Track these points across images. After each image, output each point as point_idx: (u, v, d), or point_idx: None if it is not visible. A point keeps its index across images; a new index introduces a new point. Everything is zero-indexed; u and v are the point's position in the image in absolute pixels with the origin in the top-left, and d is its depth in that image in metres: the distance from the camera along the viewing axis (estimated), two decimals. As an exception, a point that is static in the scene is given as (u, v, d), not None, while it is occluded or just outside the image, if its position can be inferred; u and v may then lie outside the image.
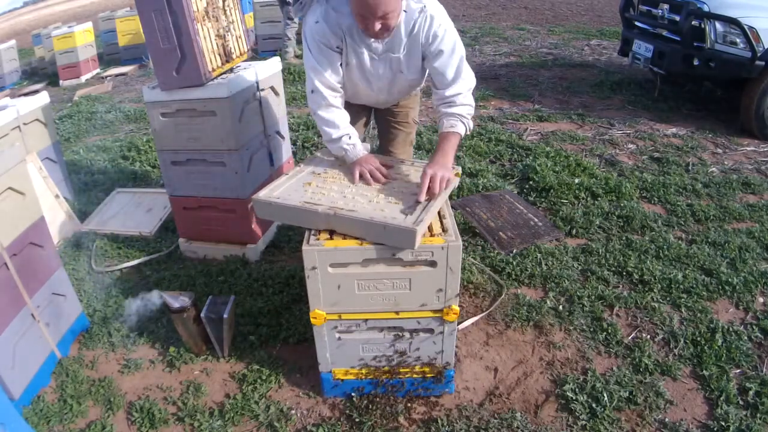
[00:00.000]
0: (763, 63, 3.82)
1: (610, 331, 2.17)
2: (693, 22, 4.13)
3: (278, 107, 2.88)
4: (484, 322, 2.27)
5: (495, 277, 2.53)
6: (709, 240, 2.75)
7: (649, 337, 2.15)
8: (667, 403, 1.84)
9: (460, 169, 1.99)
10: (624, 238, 2.80)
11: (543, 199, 3.22)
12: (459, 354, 2.08)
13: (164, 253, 2.84)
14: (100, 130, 5.08)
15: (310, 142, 4.23)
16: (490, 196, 3.26)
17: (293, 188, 1.83)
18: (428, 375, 1.85)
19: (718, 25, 4.00)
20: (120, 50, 8.32)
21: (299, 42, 6.43)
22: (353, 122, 2.07)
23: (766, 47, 3.80)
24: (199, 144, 2.49)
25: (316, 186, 1.85)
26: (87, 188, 3.60)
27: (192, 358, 2.11)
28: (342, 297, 1.68)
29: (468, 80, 1.89)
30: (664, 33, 4.55)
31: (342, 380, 1.87)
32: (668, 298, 2.36)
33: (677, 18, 4.27)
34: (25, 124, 3.04)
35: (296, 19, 6.57)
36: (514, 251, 2.71)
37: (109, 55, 8.60)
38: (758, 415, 1.77)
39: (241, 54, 2.71)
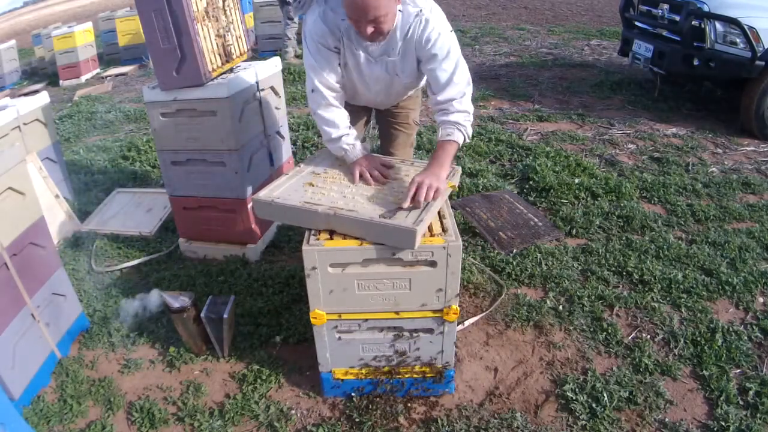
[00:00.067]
0: (763, 63, 3.82)
1: (610, 331, 2.17)
2: (693, 22, 4.13)
3: (278, 107, 2.88)
4: (484, 322, 2.27)
5: (495, 277, 2.53)
6: (709, 240, 2.75)
7: (649, 337, 2.16)
8: (667, 403, 1.84)
9: (457, 181, 1.96)
10: (624, 238, 2.80)
11: (543, 199, 3.22)
12: (459, 354, 2.08)
13: (164, 253, 2.84)
14: (100, 130, 5.08)
15: (310, 142, 4.23)
16: (490, 196, 3.26)
17: (293, 188, 1.83)
18: (428, 375, 1.85)
19: (718, 25, 4.00)
20: (120, 50, 8.32)
21: (299, 42, 6.44)
22: (353, 122, 2.07)
23: (766, 47, 3.80)
24: (199, 144, 2.49)
25: (316, 186, 1.85)
26: (87, 188, 3.60)
27: (192, 358, 2.11)
28: (342, 297, 1.68)
29: (461, 85, 1.84)
30: (664, 33, 4.55)
31: (342, 380, 1.87)
32: (668, 298, 2.36)
33: (677, 18, 4.27)
34: (25, 124, 3.04)
35: (296, 19, 6.57)
36: (514, 251, 2.71)
37: (109, 55, 8.60)
38: (758, 415, 1.77)
39: (241, 54, 2.71)
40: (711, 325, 2.16)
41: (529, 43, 7.76)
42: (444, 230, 1.67)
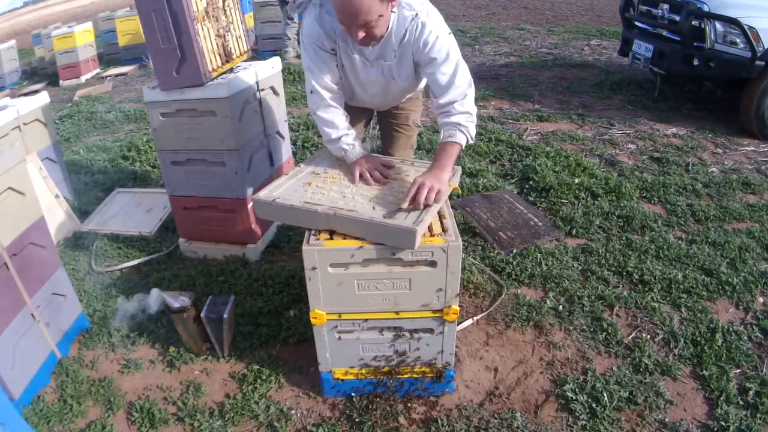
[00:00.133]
0: (763, 63, 3.82)
1: (610, 331, 2.17)
2: (693, 22, 4.13)
3: (278, 107, 2.88)
4: (484, 322, 2.27)
5: (495, 277, 2.53)
6: (709, 240, 2.75)
7: (649, 337, 2.16)
8: (667, 403, 1.84)
9: (457, 181, 1.96)
10: (624, 238, 2.80)
11: (543, 199, 3.22)
12: (459, 354, 2.08)
13: (164, 253, 2.84)
14: (100, 130, 5.08)
15: (310, 142, 4.23)
16: (490, 196, 3.26)
17: (293, 188, 1.83)
18: (428, 375, 1.85)
19: (718, 25, 4.00)
20: (120, 50, 8.32)
21: (299, 42, 6.43)
22: (353, 123, 2.08)
23: (766, 47, 3.80)
24: (199, 144, 2.49)
25: (316, 186, 1.85)
26: (87, 188, 3.60)
27: (192, 358, 2.11)
28: (342, 297, 1.68)
29: (462, 87, 1.83)
30: (664, 33, 4.55)
31: (342, 380, 1.87)
32: (668, 298, 2.36)
33: (677, 18, 4.27)
34: (25, 124, 3.04)
35: (296, 19, 6.57)
36: (514, 251, 2.71)
37: (109, 55, 8.60)
38: (758, 415, 1.77)
39: (241, 54, 2.71)
40: (711, 325, 2.16)
41: (529, 43, 7.76)
42: (444, 230, 1.67)
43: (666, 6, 4.46)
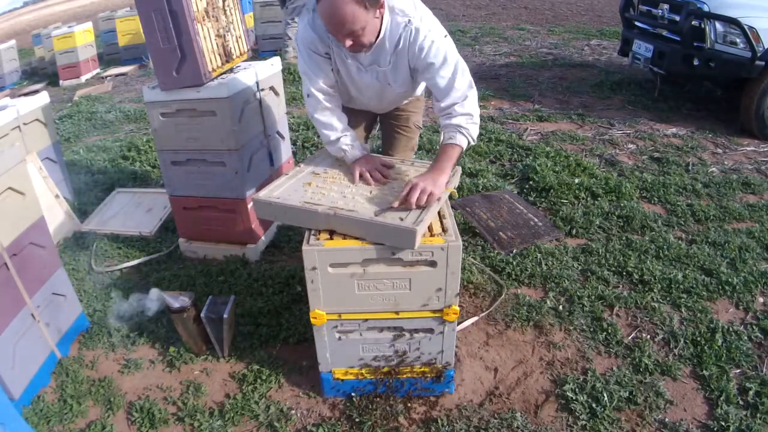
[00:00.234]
0: (763, 63, 3.82)
1: (610, 331, 2.17)
2: (693, 22, 4.13)
3: (278, 107, 2.88)
4: (484, 322, 2.27)
5: (495, 277, 2.53)
6: (709, 240, 2.75)
7: (649, 337, 2.16)
8: (667, 403, 1.84)
9: (457, 181, 1.95)
10: (624, 238, 2.80)
11: (543, 199, 3.22)
12: (459, 354, 2.08)
13: (164, 253, 2.84)
14: (100, 130, 5.08)
15: (310, 142, 4.23)
16: (490, 196, 3.26)
17: (293, 188, 1.83)
18: (428, 375, 1.85)
19: (718, 25, 4.00)
20: (120, 50, 8.32)
21: (299, 42, 6.42)
22: (353, 125, 2.08)
23: (766, 47, 3.80)
24: (199, 144, 2.49)
25: (316, 186, 1.85)
26: (87, 188, 3.60)
27: (192, 358, 2.11)
28: (342, 297, 1.68)
29: (462, 89, 1.81)
30: (664, 33, 4.55)
31: (342, 380, 1.87)
32: (668, 298, 2.36)
33: (677, 18, 4.27)
34: (25, 124, 3.04)
35: (297, 19, 6.57)
36: (514, 251, 2.71)
37: (109, 55, 8.60)
38: (758, 415, 1.77)
39: (241, 54, 2.71)
40: (711, 325, 2.16)
41: (529, 43, 7.77)
42: (444, 230, 1.67)
43: (666, 6, 4.46)
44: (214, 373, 2.06)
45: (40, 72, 8.49)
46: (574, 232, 2.88)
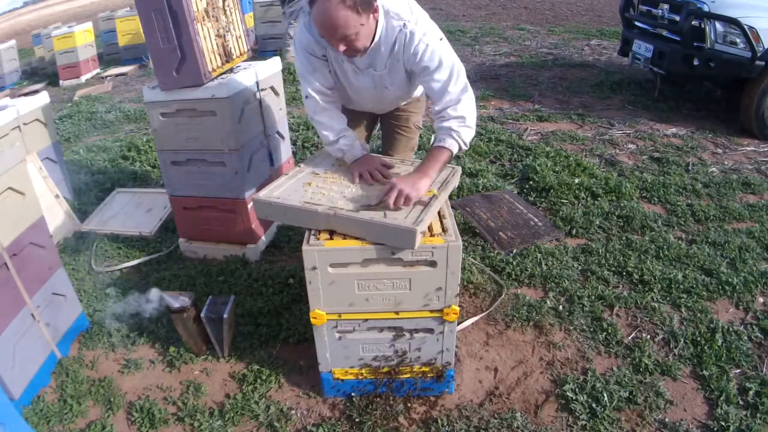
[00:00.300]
0: (763, 63, 3.82)
1: (610, 331, 2.17)
2: (693, 22, 4.13)
3: (278, 107, 2.88)
4: (484, 322, 2.27)
5: (495, 277, 2.53)
6: (709, 240, 2.75)
7: (649, 337, 2.16)
8: (667, 403, 1.84)
9: (456, 181, 1.93)
10: (624, 238, 2.80)
11: (543, 199, 3.22)
12: (459, 354, 2.08)
13: (164, 253, 2.84)
14: (100, 130, 5.08)
15: (310, 142, 4.24)
16: (490, 196, 3.26)
17: (293, 188, 1.83)
18: (428, 375, 1.85)
19: (718, 25, 4.00)
20: (120, 50, 8.31)
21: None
22: (353, 126, 2.08)
23: (766, 47, 3.80)
24: (199, 144, 2.49)
25: (316, 186, 1.85)
26: (87, 188, 3.60)
27: (192, 358, 2.11)
28: (342, 297, 1.68)
29: (456, 93, 1.78)
30: (664, 33, 4.55)
31: (342, 380, 1.87)
32: (668, 298, 2.36)
33: (677, 18, 4.27)
34: (25, 124, 3.04)
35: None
36: (514, 251, 2.71)
37: (109, 55, 8.60)
38: (758, 415, 1.77)
39: (241, 54, 2.71)
40: (711, 325, 2.16)
41: (529, 43, 7.76)
42: (444, 230, 1.67)
43: (666, 6, 4.46)
44: (214, 373, 2.06)
45: (40, 72, 8.49)
46: (574, 232, 2.88)
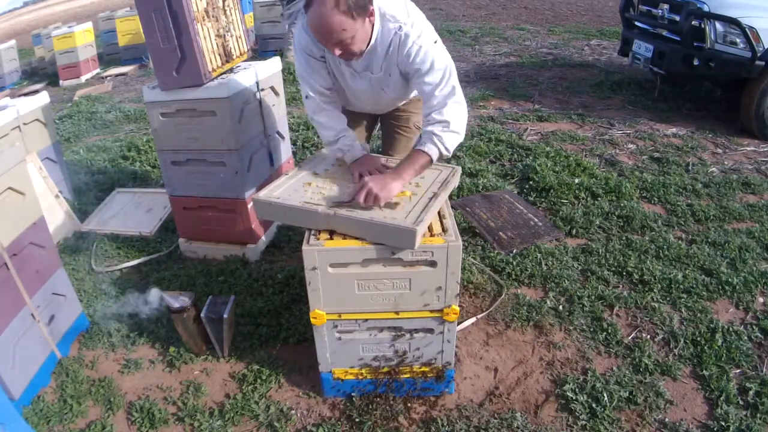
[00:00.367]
0: (763, 63, 3.82)
1: (610, 331, 2.17)
2: (693, 22, 4.13)
3: (278, 107, 2.88)
4: (484, 322, 2.27)
5: (495, 277, 2.53)
6: (709, 240, 2.75)
7: (649, 337, 2.15)
8: (667, 403, 1.84)
9: (456, 181, 1.92)
10: (624, 238, 2.80)
11: (543, 199, 3.22)
12: (459, 354, 2.08)
13: (164, 253, 2.84)
14: (100, 130, 5.09)
15: (310, 142, 4.24)
16: (490, 196, 3.26)
17: (293, 188, 1.83)
18: (428, 375, 1.85)
19: (718, 25, 4.00)
20: (120, 50, 8.32)
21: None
22: (354, 126, 2.08)
23: (766, 47, 3.80)
24: (199, 144, 2.49)
25: (316, 186, 1.85)
26: (87, 188, 3.60)
27: (192, 358, 2.11)
28: (342, 297, 1.68)
29: (442, 97, 1.76)
30: (664, 33, 4.55)
31: (342, 380, 1.87)
32: (668, 298, 2.36)
33: (677, 18, 4.27)
34: (25, 124, 3.05)
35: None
36: (514, 251, 2.71)
37: (109, 55, 8.60)
38: (758, 415, 1.77)
39: (241, 54, 2.71)
40: (711, 325, 2.16)
41: (529, 43, 7.76)
42: (444, 230, 1.67)
43: (666, 6, 4.46)
44: (214, 373, 2.06)
45: (40, 72, 8.49)
46: (574, 232, 2.88)
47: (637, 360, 2.02)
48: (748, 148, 3.95)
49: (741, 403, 1.84)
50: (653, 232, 2.84)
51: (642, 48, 4.68)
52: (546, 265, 2.60)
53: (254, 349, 2.14)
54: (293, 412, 1.87)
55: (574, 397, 1.86)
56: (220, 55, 2.49)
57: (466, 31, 8.66)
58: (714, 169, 3.62)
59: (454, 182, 1.91)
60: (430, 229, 1.67)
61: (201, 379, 2.03)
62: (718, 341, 2.07)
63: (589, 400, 1.85)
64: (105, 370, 2.10)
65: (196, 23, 2.25)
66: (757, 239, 2.74)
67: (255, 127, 2.65)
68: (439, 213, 1.75)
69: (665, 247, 2.68)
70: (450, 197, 1.92)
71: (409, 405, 1.85)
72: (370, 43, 1.75)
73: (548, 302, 2.34)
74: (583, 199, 3.20)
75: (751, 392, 1.86)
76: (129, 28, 8.12)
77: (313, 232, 1.68)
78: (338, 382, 1.87)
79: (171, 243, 2.91)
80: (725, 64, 3.98)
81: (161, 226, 3.07)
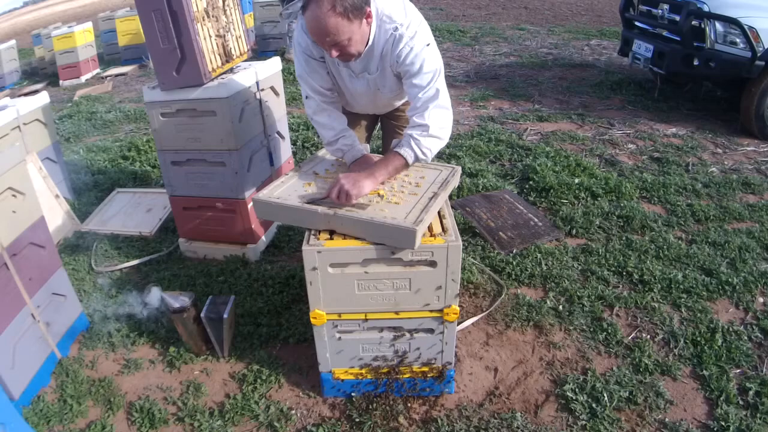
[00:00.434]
0: (763, 63, 3.82)
1: (610, 331, 2.17)
2: (693, 22, 4.13)
3: (278, 107, 2.88)
4: (484, 322, 2.27)
5: (495, 277, 2.53)
6: (709, 240, 2.75)
7: (649, 337, 2.16)
8: (667, 403, 1.84)
9: (456, 181, 1.92)
10: (624, 238, 2.80)
11: (543, 199, 3.22)
12: (459, 354, 2.08)
13: (164, 253, 2.84)
14: (100, 130, 5.08)
15: (310, 142, 4.24)
16: (490, 196, 3.26)
17: (293, 188, 1.83)
18: (428, 375, 1.85)
19: (718, 25, 4.00)
20: (120, 50, 8.32)
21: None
22: (354, 126, 2.08)
23: (766, 47, 3.80)
24: (199, 144, 2.49)
25: (316, 186, 1.85)
26: (87, 188, 3.61)
27: (192, 358, 2.11)
28: (342, 297, 1.68)
29: (424, 100, 1.75)
30: (664, 33, 4.55)
31: (342, 380, 1.87)
32: (668, 298, 2.36)
33: (677, 18, 4.27)
34: (25, 124, 3.05)
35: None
36: (514, 251, 2.71)
37: (109, 55, 8.60)
38: (758, 415, 1.77)
39: (241, 54, 2.71)
40: (711, 325, 2.16)
41: (529, 43, 7.76)
42: (444, 230, 1.67)
43: (666, 6, 4.46)
44: (214, 373, 2.06)
45: (40, 72, 8.48)
46: (574, 232, 2.88)
47: (637, 360, 2.02)
48: (748, 148, 3.95)
49: (741, 403, 1.84)
50: (653, 232, 2.85)
51: (642, 48, 4.68)
52: (546, 265, 2.60)
53: (254, 349, 2.14)
54: (293, 412, 1.87)
55: (574, 397, 1.86)
56: (220, 55, 2.49)
57: (466, 31, 8.66)
58: (714, 169, 3.62)
59: (454, 182, 1.91)
60: (430, 229, 1.67)
61: (201, 379, 2.03)
62: (718, 341, 2.07)
63: (589, 400, 1.85)
64: (105, 370, 2.10)
65: (196, 23, 2.25)
66: (757, 239, 2.74)
67: (255, 127, 2.65)
68: (439, 213, 1.75)
69: (665, 247, 2.68)
70: (450, 197, 1.92)
71: (409, 405, 1.85)
72: (368, 45, 1.75)
73: (548, 302, 2.34)
74: (583, 199, 3.20)
75: (751, 392, 1.86)
76: (129, 28, 8.12)
77: (313, 232, 1.68)
78: (338, 382, 1.87)
79: (171, 243, 2.91)
80: (725, 64, 3.98)
81: (161, 226, 3.07)
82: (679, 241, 2.76)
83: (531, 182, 3.38)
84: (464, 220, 2.99)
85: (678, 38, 4.28)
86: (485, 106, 5.08)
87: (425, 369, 1.84)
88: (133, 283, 2.61)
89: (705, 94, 5.01)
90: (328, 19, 1.56)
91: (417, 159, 1.81)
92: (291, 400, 1.92)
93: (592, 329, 2.20)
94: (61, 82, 7.45)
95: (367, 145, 2.14)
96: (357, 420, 1.80)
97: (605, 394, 1.85)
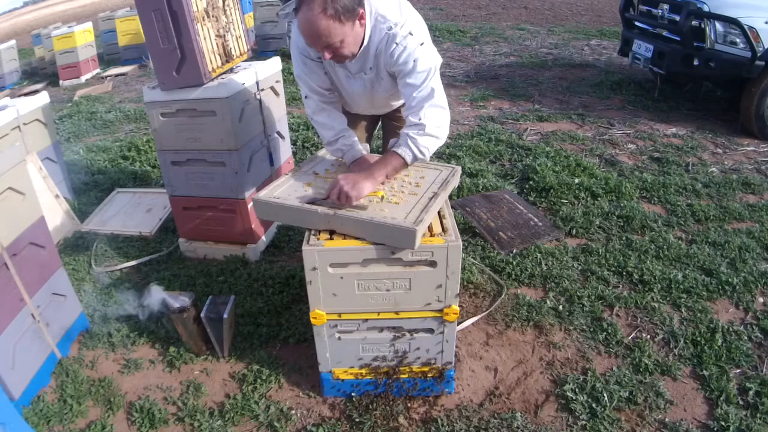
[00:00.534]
0: (763, 63, 3.82)
1: (610, 331, 2.17)
2: (693, 22, 4.13)
3: (278, 107, 2.88)
4: (484, 322, 2.27)
5: (495, 277, 2.53)
6: (709, 240, 2.75)
7: (649, 337, 2.15)
8: (667, 403, 1.84)
9: (456, 181, 1.91)
10: (624, 238, 2.80)
11: (543, 199, 3.22)
12: (459, 354, 2.08)
13: (164, 253, 2.84)
14: (100, 130, 5.08)
15: (310, 142, 4.24)
16: (490, 196, 3.26)
17: (293, 188, 1.83)
18: (428, 375, 1.85)
19: (718, 25, 4.00)
20: (120, 50, 8.32)
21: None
22: (354, 126, 2.08)
23: (766, 47, 3.80)
24: (199, 144, 2.49)
25: (316, 186, 1.85)
26: (87, 188, 3.61)
27: (192, 358, 2.11)
28: (342, 297, 1.68)
29: (419, 99, 1.74)
30: (664, 33, 4.55)
31: (342, 380, 1.87)
32: (668, 298, 2.36)
33: (677, 18, 4.27)
34: (25, 124, 3.05)
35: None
36: (514, 251, 2.71)
37: (109, 55, 8.60)
38: (758, 415, 1.77)
39: (241, 54, 2.71)
40: (711, 325, 2.16)
41: (529, 43, 7.76)
42: (444, 230, 1.67)
43: (666, 6, 4.46)
44: (214, 373, 2.06)
45: (40, 72, 8.48)
46: (574, 232, 2.88)
47: (637, 360, 2.02)
48: (748, 148, 3.95)
49: (741, 403, 1.84)
50: (653, 232, 2.85)
51: (642, 48, 4.68)
52: (546, 265, 2.60)
53: (254, 349, 2.14)
54: (293, 412, 1.87)
55: (574, 397, 1.86)
56: (220, 55, 2.49)
57: (466, 31, 8.66)
58: (714, 169, 3.62)
59: (454, 182, 1.91)
60: (430, 229, 1.67)
61: (201, 379, 2.03)
62: (718, 341, 2.07)
63: (589, 400, 1.85)
64: (105, 370, 2.10)
65: (196, 23, 2.25)
66: (757, 239, 2.74)
67: (255, 127, 2.65)
68: (439, 213, 1.75)
69: (665, 247, 2.69)
70: (450, 197, 1.92)
71: (409, 405, 1.85)
72: (363, 45, 1.74)
73: (548, 302, 2.34)
74: (583, 199, 3.20)
75: (751, 392, 1.86)
76: (129, 28, 8.12)
77: (313, 232, 1.68)
78: (338, 382, 1.87)
79: (171, 243, 2.91)
80: (725, 64, 3.98)
81: (161, 226, 3.07)
82: (679, 241, 2.76)
83: (531, 182, 3.38)
84: (464, 220, 2.99)
85: (678, 38, 4.28)
86: (485, 106, 5.08)
87: (425, 369, 1.84)
88: (133, 283, 2.61)
89: (705, 94, 5.01)
90: (320, 22, 1.56)
91: (415, 158, 1.80)
92: (291, 400, 1.92)
93: (592, 329, 2.20)
94: (61, 82, 7.45)
95: (367, 145, 2.15)
96: (357, 420, 1.80)
97: (605, 394, 1.85)
